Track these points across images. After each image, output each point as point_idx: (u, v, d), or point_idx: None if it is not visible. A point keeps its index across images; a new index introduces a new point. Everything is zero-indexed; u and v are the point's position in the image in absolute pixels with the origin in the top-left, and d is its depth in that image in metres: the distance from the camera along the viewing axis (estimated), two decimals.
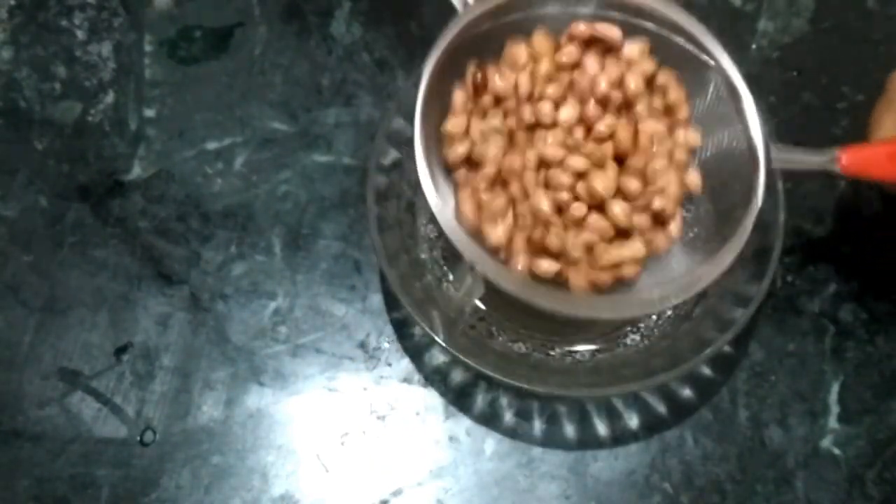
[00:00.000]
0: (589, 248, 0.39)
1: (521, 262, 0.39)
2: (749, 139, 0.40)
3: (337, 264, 0.49)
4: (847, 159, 0.39)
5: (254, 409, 0.46)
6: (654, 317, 0.46)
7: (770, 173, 0.39)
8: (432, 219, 0.48)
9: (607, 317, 0.39)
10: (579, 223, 0.39)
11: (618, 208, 0.39)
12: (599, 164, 0.40)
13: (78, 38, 0.55)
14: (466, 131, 0.41)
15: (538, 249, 0.40)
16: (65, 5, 0.56)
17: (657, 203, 0.40)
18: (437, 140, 0.41)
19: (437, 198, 0.38)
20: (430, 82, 0.39)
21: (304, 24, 0.55)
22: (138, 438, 0.45)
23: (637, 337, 0.46)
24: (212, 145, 0.52)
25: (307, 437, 0.45)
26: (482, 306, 0.46)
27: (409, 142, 0.46)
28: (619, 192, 0.40)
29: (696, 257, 0.41)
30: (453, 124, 0.40)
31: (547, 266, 0.39)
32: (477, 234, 0.39)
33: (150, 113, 0.53)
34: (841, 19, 0.55)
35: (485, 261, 0.37)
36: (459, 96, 0.41)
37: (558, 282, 0.40)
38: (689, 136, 0.42)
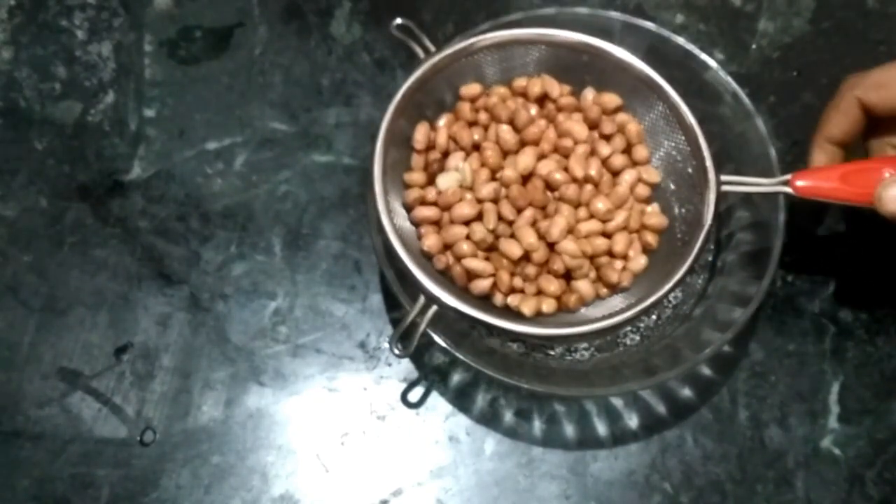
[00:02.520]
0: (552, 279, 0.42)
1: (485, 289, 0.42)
2: (701, 165, 0.41)
3: (337, 264, 0.49)
4: (800, 180, 0.40)
5: (254, 409, 0.46)
6: (654, 317, 0.46)
7: (720, 197, 0.41)
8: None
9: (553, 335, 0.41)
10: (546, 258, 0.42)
11: (571, 247, 0.41)
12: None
13: (78, 38, 0.55)
14: (427, 182, 0.44)
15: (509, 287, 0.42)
16: (65, 5, 0.56)
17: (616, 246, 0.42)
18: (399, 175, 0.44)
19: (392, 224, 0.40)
20: (390, 126, 0.42)
21: (304, 24, 0.55)
22: (138, 438, 0.45)
23: (637, 337, 0.46)
24: (212, 145, 0.52)
25: (307, 437, 0.45)
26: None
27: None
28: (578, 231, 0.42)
29: (651, 275, 0.43)
30: (412, 179, 0.43)
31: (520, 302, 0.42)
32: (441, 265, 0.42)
33: (150, 113, 0.53)
34: (841, 19, 0.55)
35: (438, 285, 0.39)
36: (416, 157, 0.44)
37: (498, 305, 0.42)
38: (649, 172, 0.44)
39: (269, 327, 0.48)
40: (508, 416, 0.45)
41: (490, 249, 0.42)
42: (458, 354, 0.41)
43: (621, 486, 0.44)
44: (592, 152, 0.44)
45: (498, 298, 0.42)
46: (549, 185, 0.42)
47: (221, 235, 0.50)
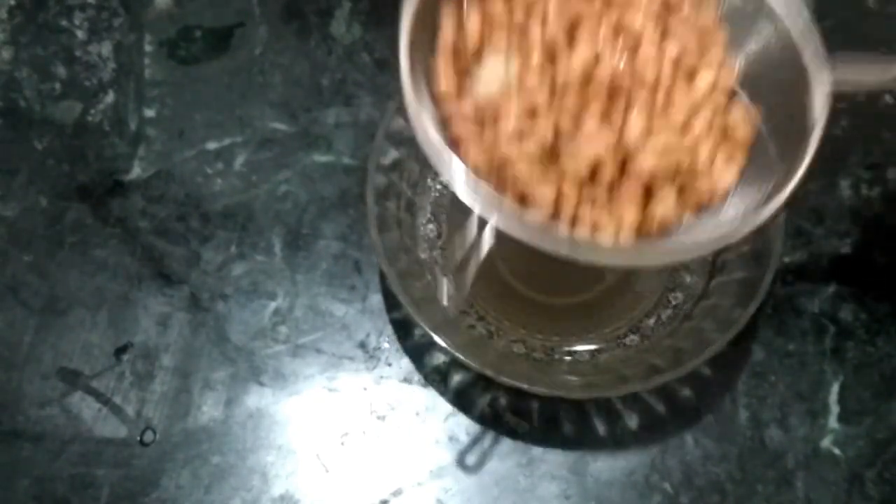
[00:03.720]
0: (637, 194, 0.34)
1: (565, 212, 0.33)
2: (797, 60, 0.34)
3: (337, 264, 0.49)
4: None
5: (254, 409, 0.46)
6: (654, 317, 0.46)
7: (831, 93, 0.34)
8: (432, 218, 0.48)
9: (641, 264, 0.35)
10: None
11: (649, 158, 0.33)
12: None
13: (78, 38, 0.55)
14: (461, 89, 0.35)
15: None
16: (65, 5, 0.56)
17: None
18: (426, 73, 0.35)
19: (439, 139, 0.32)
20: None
21: (304, 24, 0.55)
22: (138, 438, 0.45)
23: (637, 337, 0.46)
24: (212, 145, 0.52)
25: (307, 437, 0.45)
26: (479, 306, 0.46)
27: (410, 141, 0.47)
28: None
29: (748, 191, 0.35)
30: (444, 84, 0.34)
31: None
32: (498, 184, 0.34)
33: (150, 113, 0.53)
34: (841, 19, 0.55)
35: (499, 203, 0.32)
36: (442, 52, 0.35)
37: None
38: (728, 71, 0.36)
39: (269, 327, 0.47)
40: (508, 416, 0.45)
41: (546, 166, 0.33)
42: (458, 355, 0.41)
43: (621, 486, 0.44)
44: (662, 45, 0.35)
45: (562, 227, 0.33)
46: (613, 86, 0.34)
47: (221, 235, 0.50)
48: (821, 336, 0.47)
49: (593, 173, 0.33)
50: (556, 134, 0.33)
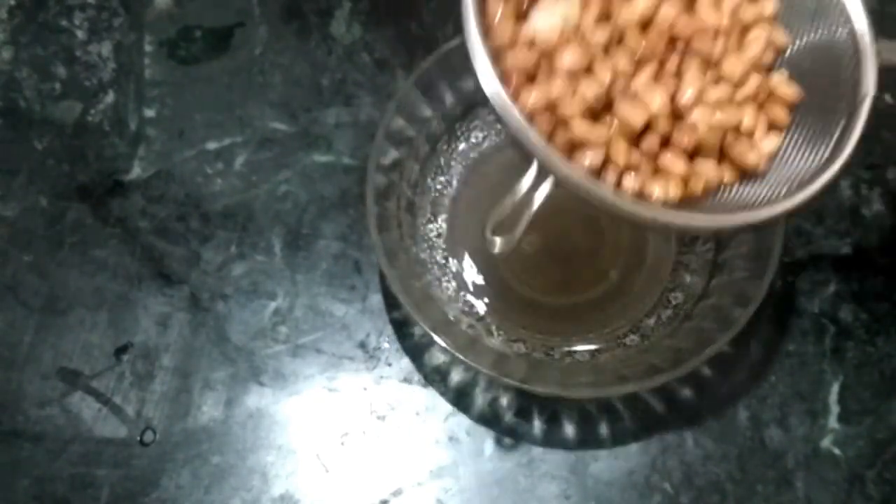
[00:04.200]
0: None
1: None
2: (850, 28, 0.35)
3: (337, 264, 0.49)
4: None
5: (254, 409, 0.46)
6: (654, 317, 0.46)
7: (882, 68, 0.34)
8: (432, 218, 0.48)
9: (701, 225, 0.33)
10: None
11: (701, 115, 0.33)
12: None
13: (78, 38, 0.55)
14: (519, 19, 0.34)
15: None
16: (65, 5, 0.56)
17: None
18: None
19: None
20: None
21: (304, 24, 0.55)
22: (138, 438, 0.45)
23: (637, 337, 0.46)
24: (212, 145, 0.52)
25: (307, 437, 0.45)
26: (479, 306, 0.46)
27: (410, 141, 0.47)
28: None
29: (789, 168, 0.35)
30: (499, 14, 0.33)
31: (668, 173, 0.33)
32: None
33: (150, 113, 0.53)
34: None
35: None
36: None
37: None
38: (778, 31, 0.36)
39: (269, 327, 0.48)
40: (508, 416, 0.45)
41: (602, 112, 0.33)
42: (458, 355, 0.41)
43: (621, 486, 0.44)
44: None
45: (610, 176, 0.33)
46: (674, 34, 0.34)
47: (221, 235, 0.50)
48: (821, 336, 0.47)
49: (645, 126, 0.33)
50: (612, 83, 0.33)
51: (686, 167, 0.33)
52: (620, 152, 0.33)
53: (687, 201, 0.34)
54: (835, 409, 0.45)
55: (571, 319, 0.47)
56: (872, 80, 0.34)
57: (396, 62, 0.54)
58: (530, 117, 0.32)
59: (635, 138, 0.33)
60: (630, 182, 0.33)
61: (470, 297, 0.47)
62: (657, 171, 0.34)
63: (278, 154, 0.52)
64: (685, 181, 0.34)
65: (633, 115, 0.33)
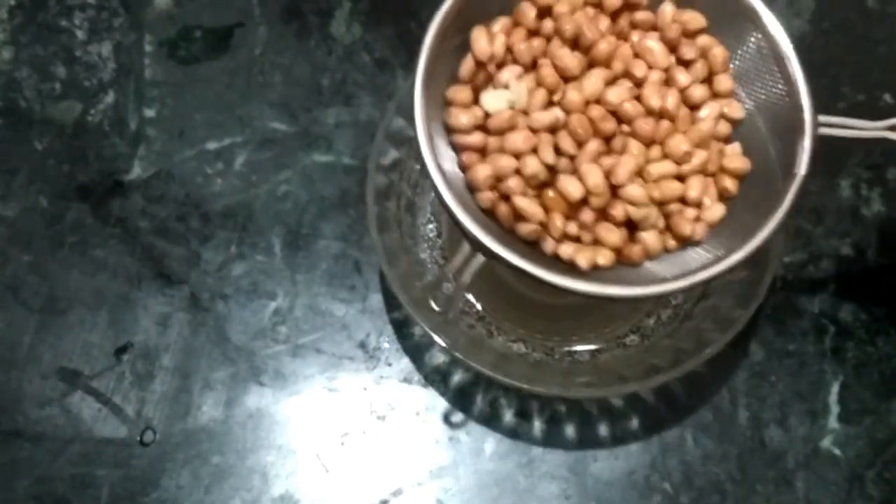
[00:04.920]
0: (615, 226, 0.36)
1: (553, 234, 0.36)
2: (795, 101, 0.36)
3: (337, 264, 0.49)
4: None
5: (254, 409, 0.46)
6: (654, 317, 0.46)
7: (815, 140, 0.35)
8: (432, 218, 0.48)
9: (612, 294, 0.35)
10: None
11: (636, 192, 0.35)
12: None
13: (78, 38, 0.55)
14: (473, 101, 0.37)
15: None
16: (65, 5, 0.56)
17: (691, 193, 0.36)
18: (439, 106, 0.37)
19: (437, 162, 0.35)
20: (434, 41, 0.36)
21: (304, 24, 0.55)
22: (138, 438, 0.45)
23: (637, 337, 0.46)
24: (212, 145, 0.52)
25: (307, 437, 0.45)
26: (479, 305, 0.46)
27: (410, 141, 0.47)
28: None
29: (725, 233, 0.37)
30: (457, 97, 0.37)
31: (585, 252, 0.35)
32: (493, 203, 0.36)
33: (150, 113, 0.53)
34: (841, 19, 0.55)
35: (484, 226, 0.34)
36: (466, 65, 0.37)
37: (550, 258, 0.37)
38: (732, 107, 0.38)
39: (269, 327, 0.48)
40: (508, 416, 0.45)
41: (543, 187, 0.36)
42: (458, 355, 0.41)
43: (621, 486, 0.44)
44: (668, 80, 0.37)
45: (549, 245, 0.36)
46: (619, 117, 0.36)
47: (221, 235, 0.50)
48: (821, 336, 0.47)
49: (587, 197, 0.35)
50: (557, 156, 0.35)
51: (621, 238, 0.36)
52: (556, 223, 0.35)
53: (628, 265, 0.36)
54: (835, 409, 0.45)
55: (571, 319, 0.47)
56: (806, 160, 0.35)
57: (396, 62, 0.54)
58: (477, 189, 0.36)
59: (575, 211, 0.36)
60: (565, 250, 0.36)
61: (470, 297, 0.47)
62: (596, 241, 0.36)
63: (278, 154, 0.52)
64: (619, 250, 0.36)
65: (570, 190, 0.35)
